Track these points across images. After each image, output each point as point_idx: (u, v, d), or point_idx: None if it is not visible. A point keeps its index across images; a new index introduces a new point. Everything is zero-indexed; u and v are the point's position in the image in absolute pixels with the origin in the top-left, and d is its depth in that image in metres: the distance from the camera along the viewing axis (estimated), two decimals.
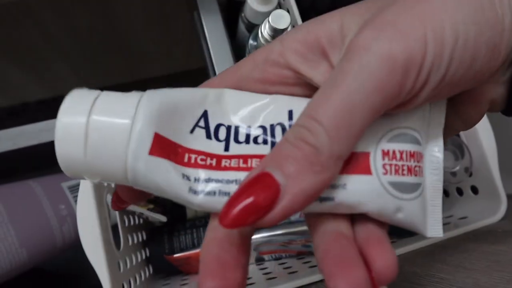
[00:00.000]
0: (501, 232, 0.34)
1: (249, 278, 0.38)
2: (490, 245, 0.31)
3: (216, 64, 0.47)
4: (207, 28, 0.48)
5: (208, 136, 0.17)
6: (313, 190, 0.13)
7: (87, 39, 0.76)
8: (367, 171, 0.15)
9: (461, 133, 0.42)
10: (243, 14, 0.46)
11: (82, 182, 0.33)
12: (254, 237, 0.42)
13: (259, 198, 0.13)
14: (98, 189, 0.34)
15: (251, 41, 0.44)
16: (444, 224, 0.39)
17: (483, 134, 0.39)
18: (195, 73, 0.83)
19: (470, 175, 0.41)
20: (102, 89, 0.17)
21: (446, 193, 0.46)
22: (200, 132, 0.17)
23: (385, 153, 0.16)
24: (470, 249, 0.31)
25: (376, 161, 0.16)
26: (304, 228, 0.40)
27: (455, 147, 0.41)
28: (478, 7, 0.14)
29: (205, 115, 0.17)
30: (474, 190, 0.41)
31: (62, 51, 0.77)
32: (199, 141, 0.17)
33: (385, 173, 0.16)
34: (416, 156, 0.16)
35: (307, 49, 0.17)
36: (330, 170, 0.14)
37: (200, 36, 0.49)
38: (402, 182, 0.16)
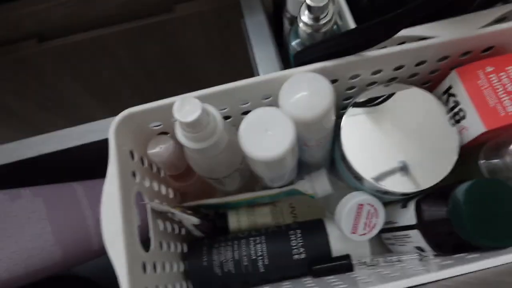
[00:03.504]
0: None
1: None
2: None
3: (261, 70, 0.45)
4: (252, 36, 0.47)
5: None
6: None
7: (154, 69, 0.81)
8: None
9: None
10: (285, 10, 0.44)
11: (109, 176, 0.32)
12: None
13: None
14: (125, 187, 0.33)
15: (292, 43, 0.41)
16: None
17: None
18: None
19: None
20: None
21: None
22: None
23: None
24: None
25: None
26: None
27: None
28: None
29: None
30: None
31: (131, 80, 0.83)
32: None
33: None
34: None
35: None
36: None
37: (247, 44, 0.48)
38: None
